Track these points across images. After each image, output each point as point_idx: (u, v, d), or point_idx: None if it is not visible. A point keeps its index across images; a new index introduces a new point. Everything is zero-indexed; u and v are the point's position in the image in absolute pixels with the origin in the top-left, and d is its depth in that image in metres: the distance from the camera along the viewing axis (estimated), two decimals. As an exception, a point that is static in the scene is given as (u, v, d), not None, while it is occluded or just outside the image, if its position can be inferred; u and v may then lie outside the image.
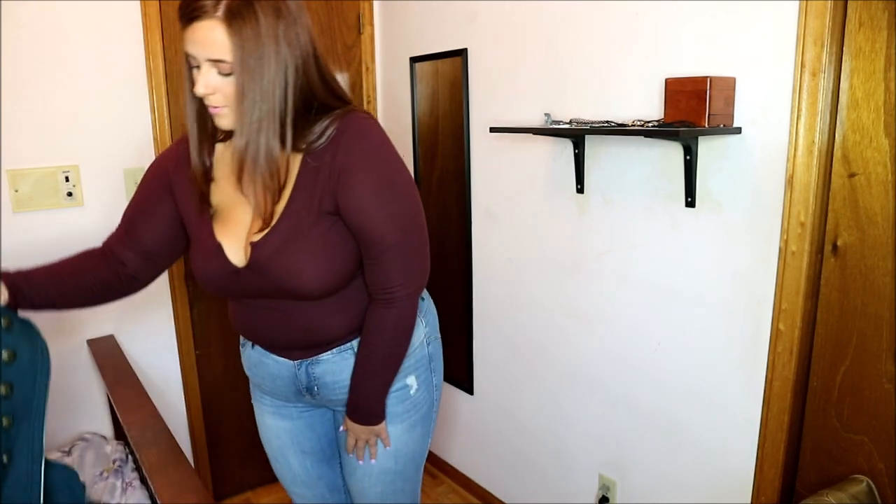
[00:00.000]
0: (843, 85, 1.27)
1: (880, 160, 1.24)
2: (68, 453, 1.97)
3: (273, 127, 1.04)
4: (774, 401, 1.42)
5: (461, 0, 2.03)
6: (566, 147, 1.78)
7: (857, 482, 1.32)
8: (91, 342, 2.10)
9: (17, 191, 1.93)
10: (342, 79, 2.46)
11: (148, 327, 2.22)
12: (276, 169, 1.08)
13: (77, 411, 2.12)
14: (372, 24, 2.47)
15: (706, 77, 1.33)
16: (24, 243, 1.97)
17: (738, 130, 1.39)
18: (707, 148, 1.46)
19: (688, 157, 1.46)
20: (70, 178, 2.01)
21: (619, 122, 1.59)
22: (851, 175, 1.28)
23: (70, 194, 2.02)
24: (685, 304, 1.57)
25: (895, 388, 1.28)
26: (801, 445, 1.45)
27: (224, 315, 2.37)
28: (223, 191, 1.19)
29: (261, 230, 1.13)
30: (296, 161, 1.12)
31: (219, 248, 1.16)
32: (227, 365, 2.39)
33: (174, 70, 2.19)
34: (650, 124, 1.48)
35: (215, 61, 1.01)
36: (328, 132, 1.10)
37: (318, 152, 1.10)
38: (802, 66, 1.26)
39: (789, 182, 1.32)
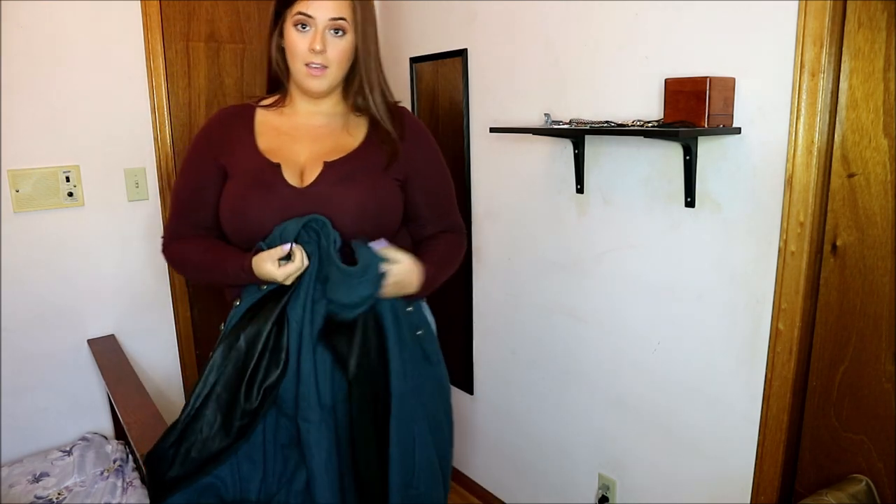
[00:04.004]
0: (843, 85, 1.27)
1: (879, 160, 1.24)
2: (69, 453, 1.97)
3: (378, 73, 1.26)
4: (774, 400, 1.42)
5: (461, 0, 2.03)
6: (566, 147, 1.78)
7: (856, 482, 1.32)
8: (92, 342, 2.10)
9: (17, 191, 1.94)
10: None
11: (148, 327, 2.23)
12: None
13: (78, 411, 2.13)
14: (372, 24, 2.47)
15: (706, 77, 1.34)
16: (24, 243, 1.97)
17: (738, 131, 1.39)
18: (706, 148, 1.46)
19: (687, 158, 1.46)
20: (71, 178, 2.02)
21: (619, 122, 1.59)
22: (851, 175, 1.29)
23: (71, 194, 2.03)
24: (685, 304, 1.57)
25: (894, 388, 1.28)
26: (800, 445, 1.45)
27: (224, 315, 2.37)
28: (273, 142, 1.28)
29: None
30: (362, 121, 1.31)
31: (277, 167, 1.22)
32: (227, 365, 2.39)
33: (174, 70, 2.19)
34: (650, 124, 1.48)
35: (335, 20, 1.17)
36: (391, 109, 1.30)
37: (383, 122, 1.29)
38: (802, 66, 1.26)
39: (789, 182, 1.32)
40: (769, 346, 1.42)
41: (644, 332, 1.68)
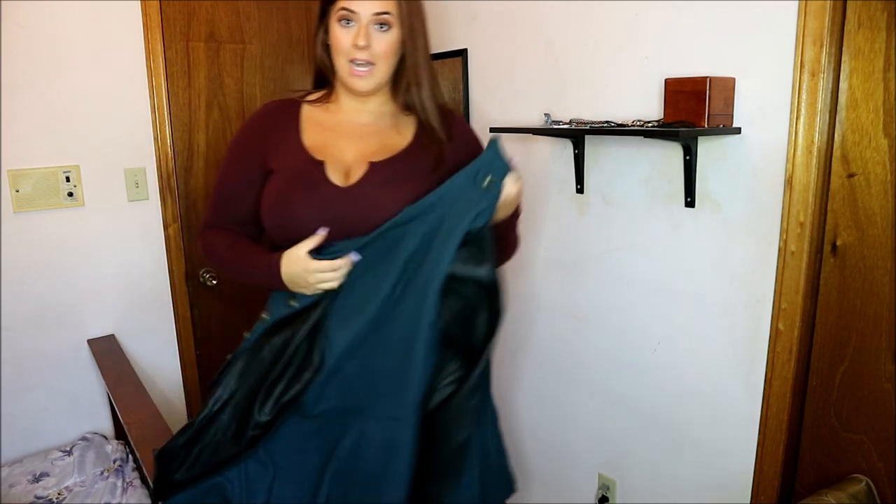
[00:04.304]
0: (843, 85, 1.27)
1: (879, 160, 1.24)
2: (69, 453, 1.97)
3: (427, 71, 1.23)
4: (774, 400, 1.42)
5: (461, 0, 2.03)
6: (566, 147, 1.78)
7: (856, 482, 1.33)
8: (92, 342, 2.10)
9: (17, 191, 1.94)
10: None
11: (148, 327, 2.23)
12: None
13: (78, 411, 2.13)
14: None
15: (706, 77, 1.34)
16: (24, 243, 1.97)
17: (738, 131, 1.39)
18: (706, 148, 1.46)
19: (687, 158, 1.46)
20: (71, 178, 2.02)
21: (619, 122, 1.59)
22: (850, 175, 1.29)
23: (71, 194, 2.03)
24: (685, 304, 1.57)
25: (894, 388, 1.28)
26: (800, 445, 1.45)
27: (224, 315, 2.38)
28: (318, 139, 1.26)
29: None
30: (411, 120, 1.28)
31: (321, 165, 1.20)
32: (227, 365, 2.40)
33: (174, 70, 2.19)
34: (650, 124, 1.48)
35: (379, 14, 1.14)
36: (440, 109, 1.27)
37: (429, 121, 1.26)
38: (802, 66, 1.26)
39: (788, 182, 1.32)
40: (769, 346, 1.42)
41: (644, 332, 1.68)
